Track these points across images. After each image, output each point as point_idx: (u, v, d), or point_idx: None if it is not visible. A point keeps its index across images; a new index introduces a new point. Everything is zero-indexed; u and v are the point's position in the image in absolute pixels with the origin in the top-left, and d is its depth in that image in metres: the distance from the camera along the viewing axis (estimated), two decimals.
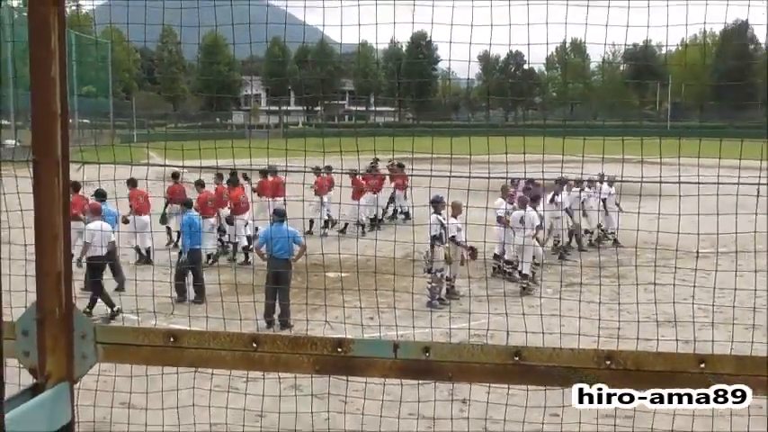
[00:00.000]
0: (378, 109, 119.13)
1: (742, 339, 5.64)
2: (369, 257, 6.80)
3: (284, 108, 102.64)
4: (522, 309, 6.10)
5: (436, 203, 12.77)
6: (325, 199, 21.15)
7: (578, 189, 18.36)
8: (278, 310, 11.45)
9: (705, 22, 4.59)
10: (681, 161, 5.31)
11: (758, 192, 5.23)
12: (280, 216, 12.05)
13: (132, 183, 16.44)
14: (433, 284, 13.22)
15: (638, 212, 5.26)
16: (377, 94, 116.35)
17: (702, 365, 3.02)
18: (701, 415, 3.17)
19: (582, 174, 5.30)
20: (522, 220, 14.86)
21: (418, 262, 13.19)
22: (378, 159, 22.71)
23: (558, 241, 18.13)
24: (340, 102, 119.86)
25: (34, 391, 2.76)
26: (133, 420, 5.18)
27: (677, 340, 4.90)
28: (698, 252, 7.30)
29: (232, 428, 5.47)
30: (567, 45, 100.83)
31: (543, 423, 4.70)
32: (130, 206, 16.78)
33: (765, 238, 5.50)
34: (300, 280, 11.41)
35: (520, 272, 14.82)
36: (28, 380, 2.78)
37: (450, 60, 4.09)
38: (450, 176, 5.23)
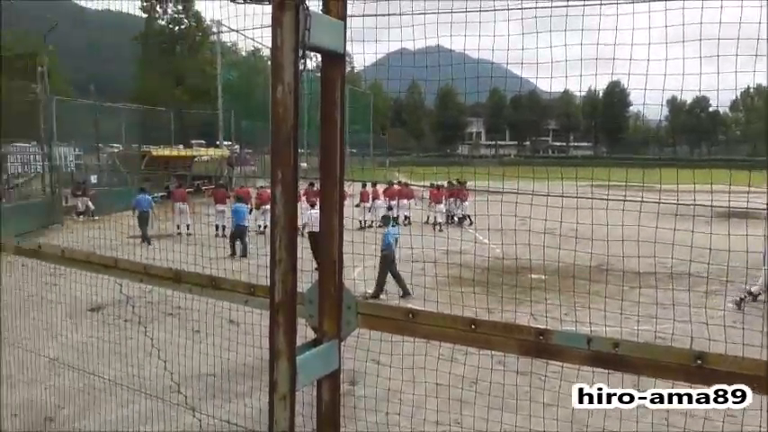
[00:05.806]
0: (576, 144, 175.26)
1: None
2: (567, 264, 8.83)
3: (499, 143, 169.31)
4: (705, 318, 8.03)
5: None
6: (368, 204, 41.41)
7: None
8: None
9: None
10: None
11: None
12: (386, 221, 25.18)
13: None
14: None
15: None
16: (576, 132, 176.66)
17: None
18: None
19: None
20: None
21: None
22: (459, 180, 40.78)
23: None
24: (544, 138, 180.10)
25: (315, 343, 4.06)
26: (380, 374, 8.26)
27: None
28: None
29: (452, 391, 8.04)
30: (752, 90, 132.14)
31: (723, 422, 6.11)
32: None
33: None
34: (510, 278, 15.99)
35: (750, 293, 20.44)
36: (309, 334, 4.17)
37: (644, 105, 5.80)
38: (641, 201, 7.53)
